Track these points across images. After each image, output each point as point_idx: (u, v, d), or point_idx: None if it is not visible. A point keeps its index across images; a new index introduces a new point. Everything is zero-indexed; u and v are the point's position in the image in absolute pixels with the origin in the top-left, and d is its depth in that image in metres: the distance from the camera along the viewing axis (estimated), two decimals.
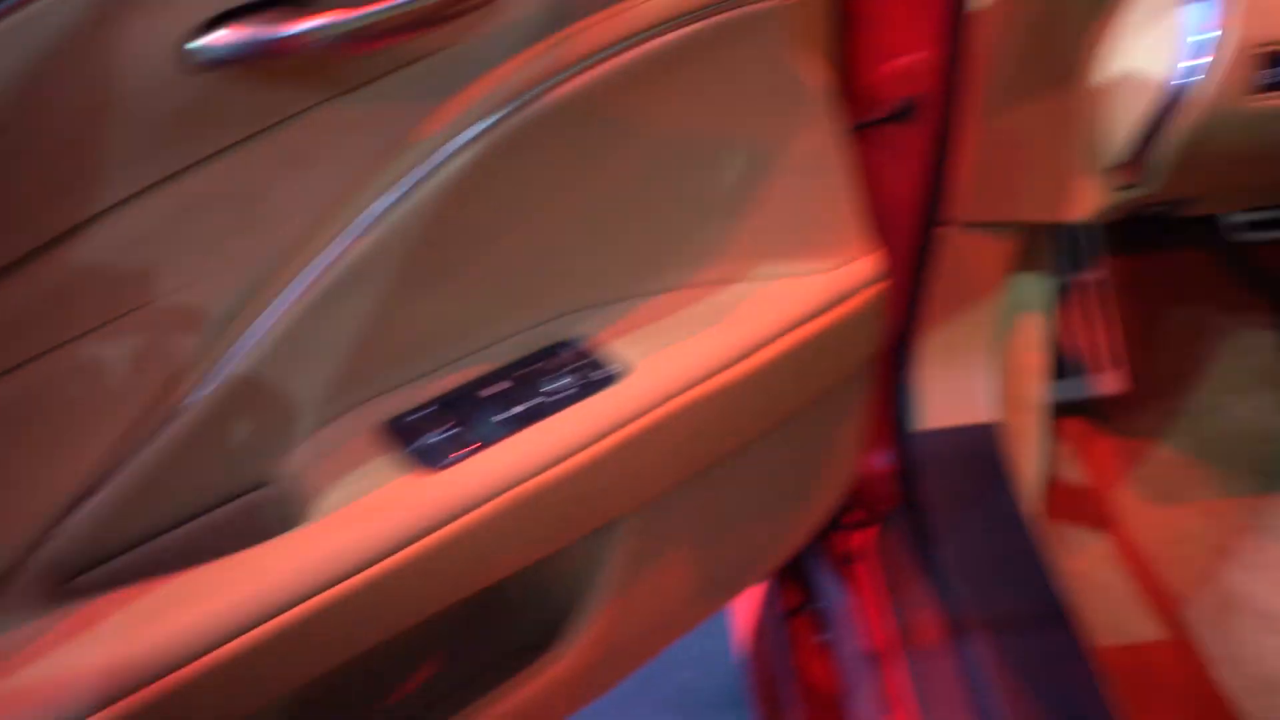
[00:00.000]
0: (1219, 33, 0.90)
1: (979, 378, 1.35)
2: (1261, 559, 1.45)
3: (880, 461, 1.36)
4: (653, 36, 0.82)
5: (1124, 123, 1.01)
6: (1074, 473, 1.56)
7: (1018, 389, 1.39)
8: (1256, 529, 1.48)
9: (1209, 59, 0.90)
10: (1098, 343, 1.64)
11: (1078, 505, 1.52)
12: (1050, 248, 1.40)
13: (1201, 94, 0.91)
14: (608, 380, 0.88)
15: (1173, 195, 1.09)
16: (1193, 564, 1.45)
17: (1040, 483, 1.37)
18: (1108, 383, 1.63)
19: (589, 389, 0.88)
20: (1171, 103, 0.92)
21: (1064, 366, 1.64)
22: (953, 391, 1.34)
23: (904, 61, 1.24)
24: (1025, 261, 1.39)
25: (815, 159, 0.95)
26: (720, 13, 0.84)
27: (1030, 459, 1.38)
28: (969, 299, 1.32)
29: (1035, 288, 1.40)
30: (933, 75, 1.21)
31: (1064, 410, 1.62)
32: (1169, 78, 0.93)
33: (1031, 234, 1.31)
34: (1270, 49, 0.89)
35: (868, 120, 1.26)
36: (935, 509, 1.29)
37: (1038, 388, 1.41)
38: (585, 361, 0.90)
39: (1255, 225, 1.40)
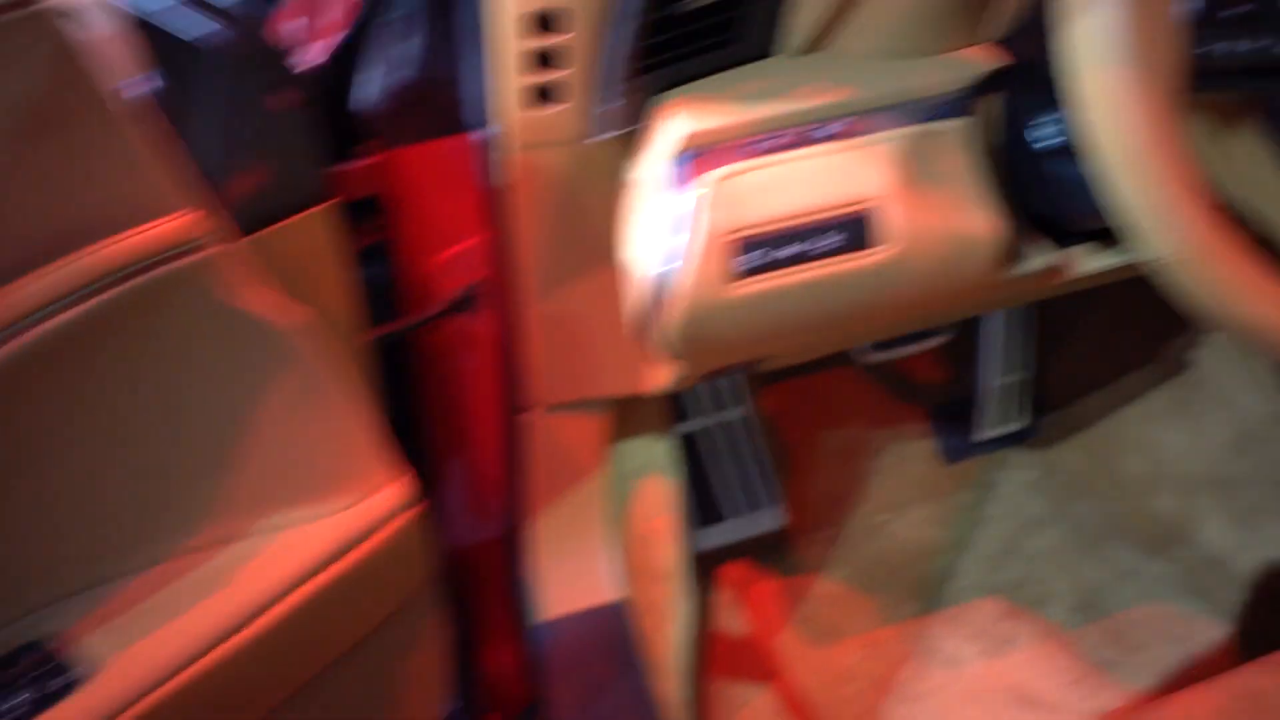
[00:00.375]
0: (692, 221, 0.87)
1: (598, 556, 1.29)
2: (921, 688, 1.42)
3: (507, 659, 1.29)
4: (55, 313, 0.74)
5: (637, 305, 0.97)
6: (736, 623, 1.51)
7: (647, 558, 1.34)
8: (917, 655, 1.46)
9: (685, 247, 0.87)
10: (751, 481, 1.60)
11: (740, 658, 1.47)
12: (662, 407, 1.36)
13: (682, 283, 0.87)
14: (69, 687, 0.79)
15: (718, 367, 1.06)
16: (856, 704, 1.42)
17: (687, 650, 1.32)
18: (765, 520, 1.60)
19: (45, 702, 0.78)
20: (658, 291, 0.88)
21: (718, 510, 1.60)
22: (572, 575, 1.29)
23: (458, 249, 1.19)
24: (637, 425, 1.35)
25: (305, 399, 0.88)
26: (132, 277, 0.77)
27: (669, 629, 1.32)
28: (571, 479, 1.27)
29: (653, 449, 1.36)
30: (487, 261, 1.17)
31: (723, 556, 1.58)
32: (655, 266, 0.89)
33: (630, 401, 1.27)
34: (741, 236, 0.86)
35: (433, 314, 1.21)
36: (561, 704, 1.22)
37: (670, 552, 1.36)
38: (47, 667, 0.80)
39: (876, 345, 1.38)
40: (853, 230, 0.86)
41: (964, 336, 1.70)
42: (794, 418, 1.70)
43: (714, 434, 1.63)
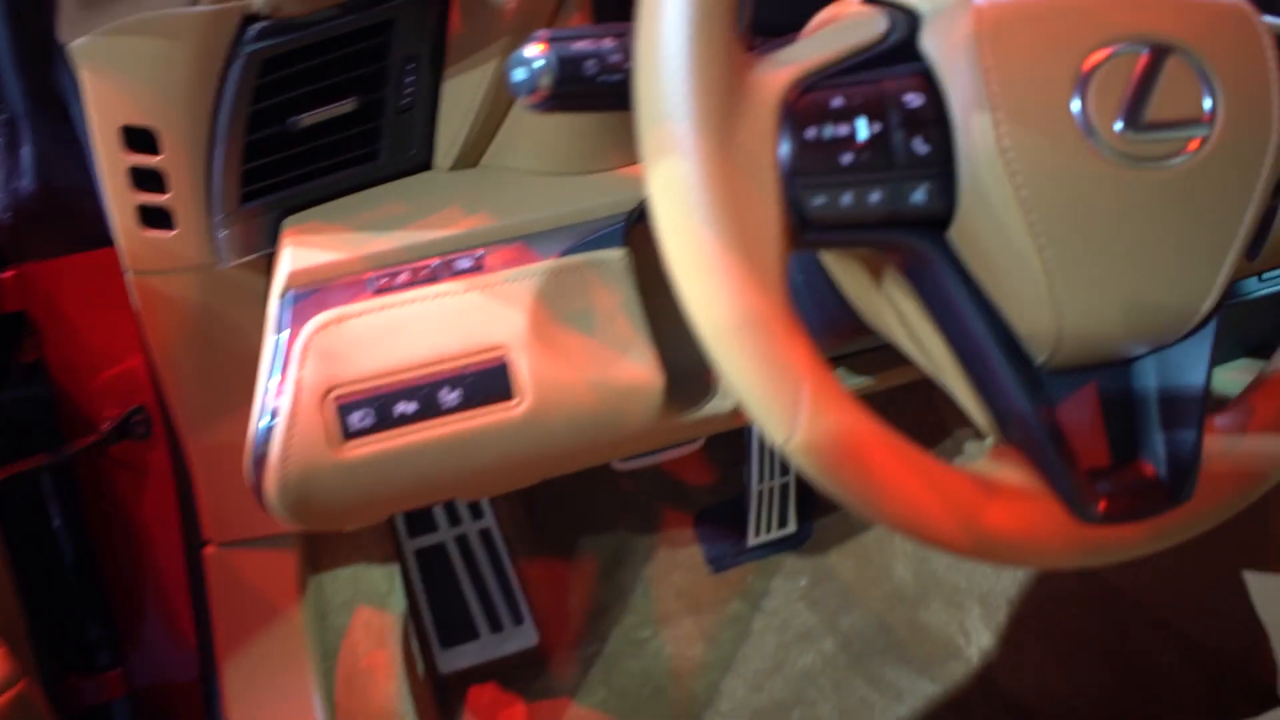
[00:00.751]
0: (284, 375, 0.75)
1: (303, 698, 1.17)
2: None
3: None
4: None
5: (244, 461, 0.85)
6: None
7: (363, 697, 1.21)
8: None
9: (281, 405, 0.75)
10: (502, 596, 1.49)
11: None
12: (377, 531, 1.24)
13: (276, 445, 0.75)
14: None
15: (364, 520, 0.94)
16: None
17: None
18: (518, 638, 1.48)
19: None
20: (260, 455, 0.76)
21: (473, 627, 1.49)
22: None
23: (117, 370, 1.07)
24: (345, 553, 1.23)
25: None
26: None
27: None
28: (263, 617, 1.14)
29: (367, 577, 1.24)
30: (147, 386, 1.05)
31: (473, 678, 1.46)
32: (255, 421, 0.77)
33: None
34: (343, 393, 0.74)
35: (92, 441, 1.08)
36: None
37: (390, 689, 1.23)
38: None
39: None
40: (481, 382, 0.76)
41: (729, 437, 1.60)
42: (549, 527, 1.59)
43: (462, 546, 1.52)
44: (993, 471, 0.63)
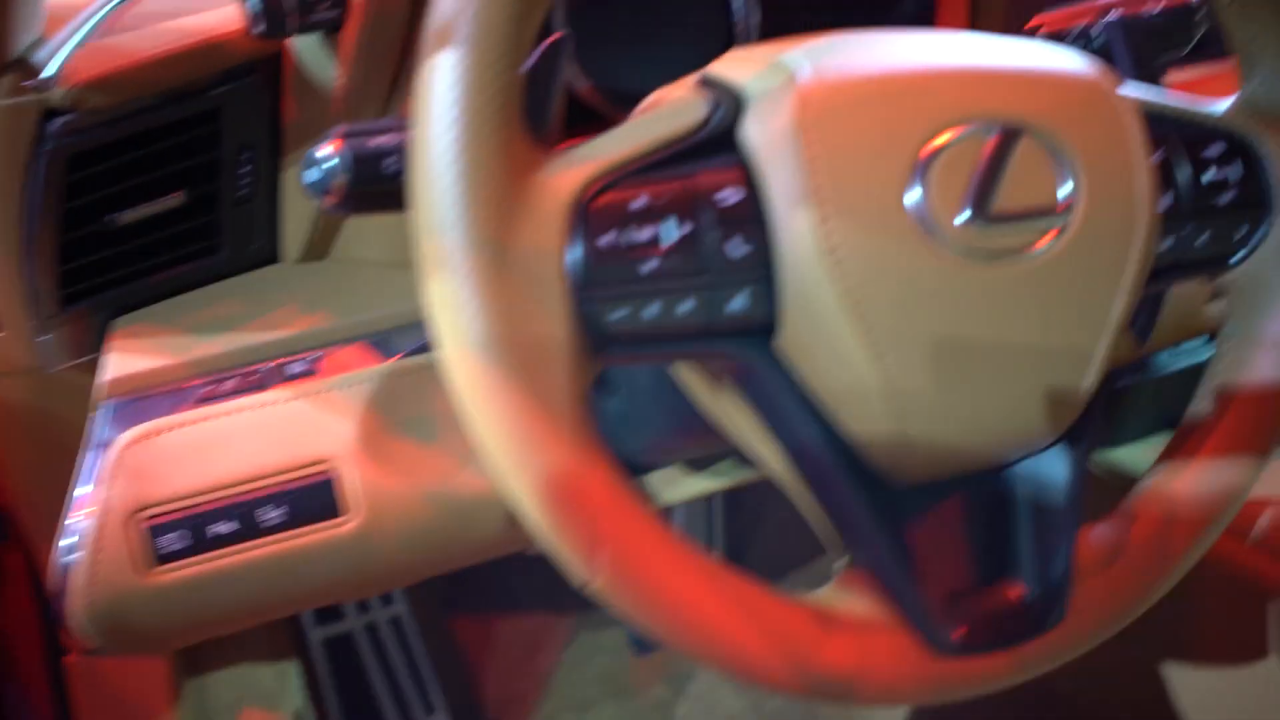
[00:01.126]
0: (91, 494, 0.69)
1: None
2: None
3: None
4: None
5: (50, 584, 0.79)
6: None
7: None
8: None
9: (87, 529, 0.69)
10: (413, 684, 1.43)
11: None
12: (270, 630, 1.19)
13: (79, 569, 0.68)
14: None
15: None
16: None
17: None
18: None
19: None
20: (63, 573, 0.70)
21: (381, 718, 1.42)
22: None
23: None
24: (232, 651, 1.17)
25: None
26: None
27: None
28: None
29: (255, 676, 1.18)
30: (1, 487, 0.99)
31: None
32: (60, 542, 0.70)
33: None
34: (154, 514, 0.68)
35: None
36: None
37: None
38: None
39: None
40: (305, 500, 0.70)
41: None
42: (463, 611, 1.53)
43: (371, 634, 1.46)
44: (836, 600, 0.58)
